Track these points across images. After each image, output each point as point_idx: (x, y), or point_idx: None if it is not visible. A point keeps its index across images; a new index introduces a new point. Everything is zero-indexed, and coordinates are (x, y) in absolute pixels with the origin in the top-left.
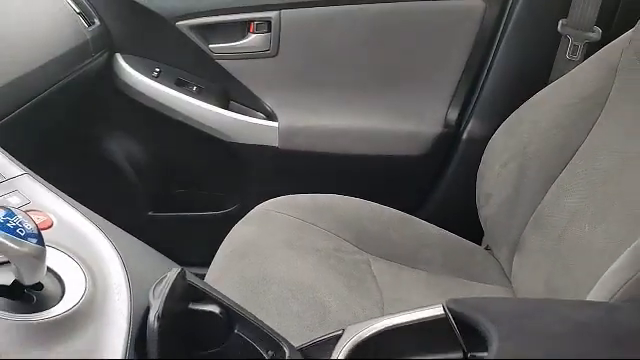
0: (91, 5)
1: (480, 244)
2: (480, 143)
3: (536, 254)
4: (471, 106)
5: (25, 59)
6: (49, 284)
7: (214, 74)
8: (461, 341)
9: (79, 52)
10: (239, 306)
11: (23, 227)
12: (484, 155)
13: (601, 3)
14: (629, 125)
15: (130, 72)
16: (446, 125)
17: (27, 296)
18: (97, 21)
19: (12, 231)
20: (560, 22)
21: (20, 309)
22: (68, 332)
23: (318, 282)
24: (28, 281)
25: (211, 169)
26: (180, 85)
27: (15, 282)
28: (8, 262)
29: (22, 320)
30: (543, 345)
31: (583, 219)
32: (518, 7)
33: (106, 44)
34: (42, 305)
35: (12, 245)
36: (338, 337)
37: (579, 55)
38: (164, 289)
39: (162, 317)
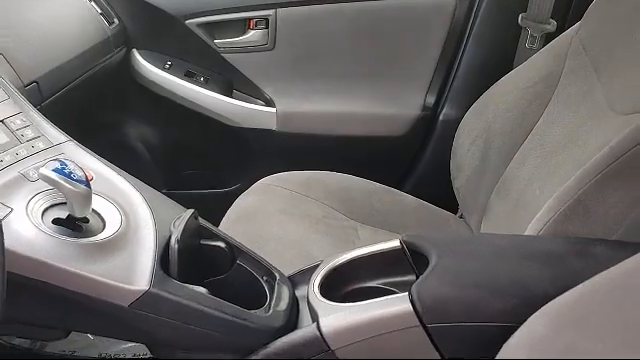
0: (110, 6)
1: (456, 214)
2: (454, 124)
3: (498, 218)
4: (446, 92)
5: (60, 53)
6: (93, 219)
7: (219, 66)
8: (411, 263)
9: (102, 47)
10: (240, 244)
11: (75, 173)
12: (456, 134)
13: None
14: (575, 103)
15: (145, 65)
16: (424, 109)
17: (78, 226)
18: (116, 20)
19: (67, 175)
20: (520, 16)
21: (73, 235)
22: (109, 252)
23: (309, 240)
24: (79, 214)
25: (217, 151)
26: (189, 76)
27: (69, 216)
28: (64, 203)
29: (75, 241)
30: (468, 260)
31: (535, 184)
32: (484, 3)
33: (124, 41)
34: (89, 233)
35: (67, 185)
36: (317, 266)
37: (537, 44)
38: (181, 223)
39: (180, 241)
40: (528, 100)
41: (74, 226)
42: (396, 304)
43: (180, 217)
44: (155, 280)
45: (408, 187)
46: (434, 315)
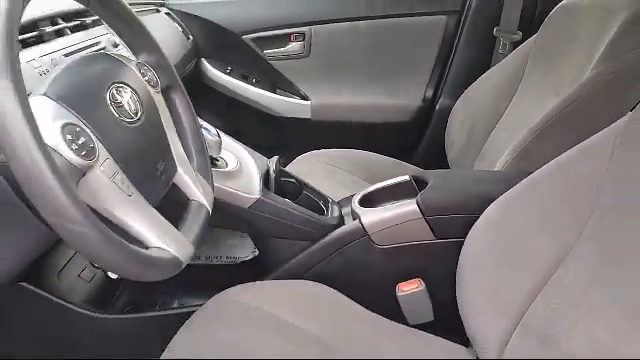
0: (186, 26)
1: None
2: (447, 111)
3: None
4: (441, 87)
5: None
6: (222, 160)
7: (266, 70)
8: (415, 187)
9: (186, 58)
10: (305, 182)
11: (212, 132)
12: (449, 118)
13: (521, 14)
14: (534, 94)
15: (211, 70)
16: (424, 100)
17: (213, 164)
18: (191, 37)
19: (208, 131)
20: (495, 28)
21: (215, 168)
22: (234, 177)
23: (342, 193)
24: (215, 155)
25: (264, 135)
26: (244, 78)
27: (211, 157)
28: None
29: (216, 171)
30: (453, 180)
31: (506, 149)
32: (468, 19)
33: (196, 52)
34: (221, 167)
35: (208, 136)
36: (353, 196)
37: (507, 50)
38: (273, 162)
39: (275, 171)
40: (501, 91)
41: (213, 162)
42: (408, 206)
43: (272, 159)
44: (262, 192)
45: (413, 161)
46: (430, 211)
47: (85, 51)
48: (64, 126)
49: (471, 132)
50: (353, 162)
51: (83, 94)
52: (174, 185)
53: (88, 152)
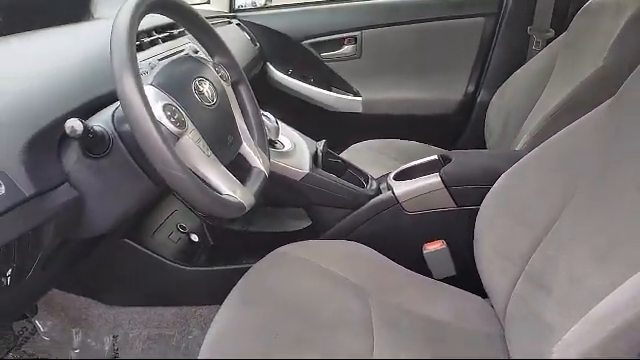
0: (254, 35)
1: None
2: (486, 104)
3: None
4: (481, 82)
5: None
6: (278, 144)
7: (323, 71)
8: (442, 164)
9: (253, 62)
10: (349, 162)
11: (270, 118)
12: (488, 110)
13: (553, 13)
14: (557, 85)
15: (275, 72)
16: (466, 94)
17: (272, 145)
18: (257, 44)
19: (268, 118)
20: (528, 27)
21: (273, 148)
22: (287, 156)
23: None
24: (273, 138)
25: (321, 128)
26: (303, 78)
27: (269, 139)
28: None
29: (274, 150)
30: (471, 160)
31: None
32: (504, 20)
33: (263, 57)
34: (274, 147)
35: (268, 123)
36: (389, 173)
37: (540, 47)
38: (321, 143)
39: (322, 151)
40: (533, 84)
41: (271, 144)
42: (433, 178)
43: (320, 142)
44: (311, 168)
45: (455, 149)
46: (451, 182)
47: (174, 56)
48: (164, 106)
49: (506, 122)
50: (398, 150)
51: (176, 84)
52: (239, 155)
53: (181, 124)
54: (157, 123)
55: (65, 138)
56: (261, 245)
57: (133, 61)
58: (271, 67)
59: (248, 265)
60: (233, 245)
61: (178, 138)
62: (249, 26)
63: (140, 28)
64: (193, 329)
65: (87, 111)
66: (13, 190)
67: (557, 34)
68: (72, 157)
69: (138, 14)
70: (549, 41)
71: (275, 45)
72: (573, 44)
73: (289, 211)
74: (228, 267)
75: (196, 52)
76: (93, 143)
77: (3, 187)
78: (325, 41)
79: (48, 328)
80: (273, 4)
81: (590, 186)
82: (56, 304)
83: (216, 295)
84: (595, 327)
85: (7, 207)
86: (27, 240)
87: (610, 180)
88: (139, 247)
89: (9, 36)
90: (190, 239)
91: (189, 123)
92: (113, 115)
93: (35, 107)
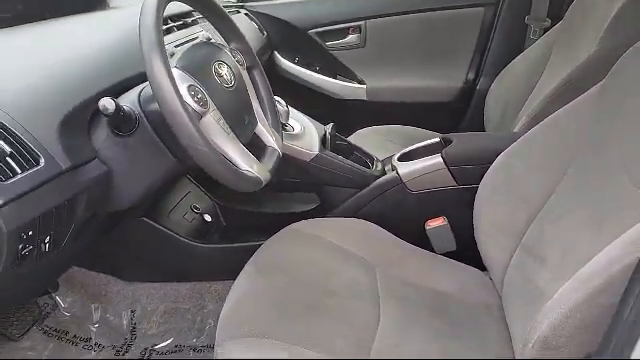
0: (262, 24)
1: None
2: (486, 91)
3: None
4: (480, 70)
5: None
6: (289, 126)
7: (328, 59)
8: (443, 145)
9: (261, 50)
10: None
11: (281, 102)
12: (487, 97)
13: (549, 4)
14: (554, 71)
15: (282, 60)
16: (466, 82)
17: (283, 128)
18: (265, 32)
19: (279, 103)
20: (526, 17)
21: (284, 131)
22: (297, 138)
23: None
24: (283, 121)
25: (327, 114)
26: (309, 66)
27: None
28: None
29: (284, 133)
30: (472, 141)
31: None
32: (503, 10)
33: (270, 46)
34: (285, 130)
35: (279, 107)
36: (393, 155)
37: (538, 36)
38: (329, 126)
39: (330, 134)
40: (531, 71)
41: (282, 127)
42: (434, 159)
43: (328, 125)
44: (320, 149)
45: None
46: (452, 162)
47: (188, 44)
48: (189, 87)
49: (505, 108)
50: (401, 135)
51: (198, 67)
52: (255, 134)
53: (203, 104)
54: (184, 102)
55: (95, 117)
56: (271, 225)
57: (161, 45)
58: (278, 56)
59: (260, 242)
60: (244, 225)
61: (201, 117)
62: (257, 16)
63: None
64: (208, 303)
65: (115, 92)
66: (52, 163)
67: (553, 23)
68: (101, 135)
69: (164, 0)
70: (546, 30)
71: (282, 34)
72: (569, 30)
73: (297, 195)
74: (241, 244)
75: (209, 40)
76: (122, 121)
77: (43, 160)
78: (330, 30)
79: (68, 304)
80: None
81: (582, 163)
82: (76, 281)
83: (229, 271)
84: (582, 284)
85: (47, 178)
86: (63, 210)
87: (600, 158)
88: (156, 225)
89: (30, 24)
90: (204, 219)
91: (211, 103)
92: (139, 96)
93: (67, 89)
